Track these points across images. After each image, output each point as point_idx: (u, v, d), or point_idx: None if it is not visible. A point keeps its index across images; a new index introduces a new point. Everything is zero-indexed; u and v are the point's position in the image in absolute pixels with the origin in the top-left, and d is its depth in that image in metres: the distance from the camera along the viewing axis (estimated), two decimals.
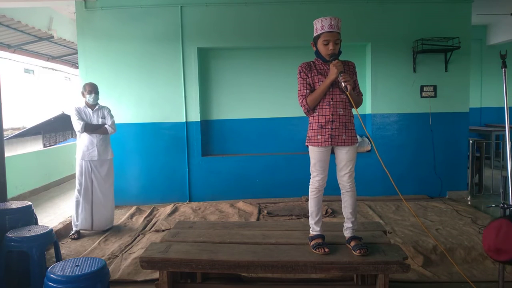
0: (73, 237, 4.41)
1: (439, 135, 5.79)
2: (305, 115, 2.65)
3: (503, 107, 2.64)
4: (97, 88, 4.56)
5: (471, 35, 5.84)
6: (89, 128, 4.43)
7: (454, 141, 5.79)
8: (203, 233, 2.94)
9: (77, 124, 4.38)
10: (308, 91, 2.56)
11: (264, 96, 6.04)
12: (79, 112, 4.45)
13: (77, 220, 4.44)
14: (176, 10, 5.64)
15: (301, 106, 2.59)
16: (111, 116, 4.60)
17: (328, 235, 2.64)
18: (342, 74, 2.40)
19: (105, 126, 4.51)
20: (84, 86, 4.55)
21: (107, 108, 4.64)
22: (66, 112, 4.63)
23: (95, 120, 4.52)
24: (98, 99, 4.57)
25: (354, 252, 2.43)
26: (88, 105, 4.54)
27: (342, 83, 2.40)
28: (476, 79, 8.46)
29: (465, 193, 5.78)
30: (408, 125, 5.84)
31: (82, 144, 4.48)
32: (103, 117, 4.55)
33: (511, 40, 7.83)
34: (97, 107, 4.57)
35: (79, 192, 4.47)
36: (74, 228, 4.47)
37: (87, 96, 4.49)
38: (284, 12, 5.68)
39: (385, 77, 5.78)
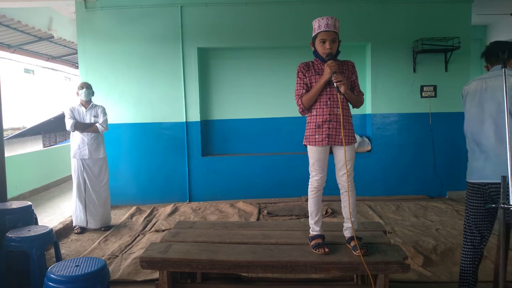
0: (76, 231, 4.53)
1: (439, 135, 5.79)
2: (305, 115, 2.66)
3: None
4: (90, 85, 4.62)
5: (471, 35, 5.85)
6: (79, 126, 4.48)
7: (454, 141, 5.78)
8: (203, 233, 2.94)
9: (67, 123, 4.46)
10: (304, 91, 2.57)
11: (264, 96, 6.04)
12: (72, 111, 4.52)
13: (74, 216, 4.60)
14: (176, 10, 5.64)
15: (297, 105, 2.60)
16: (104, 114, 4.61)
17: (328, 235, 2.64)
18: (335, 75, 2.40)
19: (96, 124, 4.53)
20: (78, 85, 4.65)
21: (101, 106, 4.66)
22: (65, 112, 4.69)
23: (88, 118, 4.56)
24: (90, 95, 4.60)
25: (354, 252, 2.42)
26: (82, 103, 4.58)
27: (335, 83, 2.41)
28: None
29: (465, 193, 5.76)
30: (408, 125, 5.83)
31: (74, 142, 4.54)
32: (96, 116, 4.58)
33: (511, 40, 7.83)
34: (91, 105, 4.60)
35: (75, 189, 4.57)
36: (74, 223, 4.62)
37: (80, 92, 4.54)
38: (284, 12, 5.68)
39: (385, 77, 5.78)
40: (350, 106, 2.61)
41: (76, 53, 6.11)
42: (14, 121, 12.04)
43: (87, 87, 4.56)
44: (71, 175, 4.68)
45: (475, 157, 2.41)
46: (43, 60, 8.72)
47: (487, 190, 2.36)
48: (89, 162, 4.54)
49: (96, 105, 4.64)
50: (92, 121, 4.55)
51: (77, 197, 4.53)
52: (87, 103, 4.59)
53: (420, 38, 5.54)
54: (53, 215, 5.37)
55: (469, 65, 5.85)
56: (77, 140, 4.52)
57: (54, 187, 7.20)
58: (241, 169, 5.86)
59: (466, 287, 2.49)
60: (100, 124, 4.53)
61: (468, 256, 2.49)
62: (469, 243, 2.49)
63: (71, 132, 4.56)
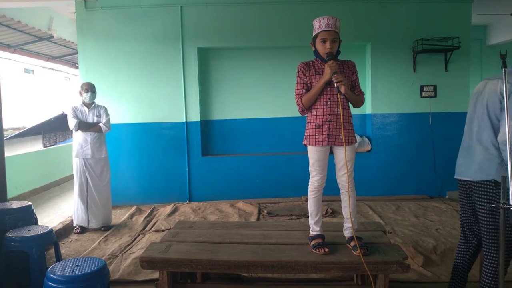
0: (76, 231, 4.53)
1: (439, 135, 5.79)
2: (304, 115, 2.66)
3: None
4: (94, 87, 4.64)
5: (471, 35, 5.84)
6: (83, 126, 4.49)
7: (454, 141, 5.73)
8: (203, 233, 2.94)
9: (71, 122, 4.47)
10: (304, 90, 2.56)
11: (264, 96, 6.04)
12: (74, 111, 4.53)
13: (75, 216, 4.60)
14: (176, 10, 5.64)
15: (297, 105, 2.60)
16: (107, 115, 4.64)
17: (328, 235, 2.64)
18: (335, 75, 2.40)
19: (100, 124, 4.56)
20: (82, 85, 4.64)
21: (104, 107, 4.68)
22: (66, 112, 4.68)
23: (91, 118, 4.57)
24: (94, 97, 4.63)
25: (354, 252, 2.42)
26: (84, 104, 4.59)
27: (335, 84, 2.41)
28: (476, 79, 8.44)
29: None
30: (408, 125, 5.83)
31: (77, 142, 4.55)
32: (99, 116, 4.61)
33: (511, 40, 7.82)
34: (93, 105, 4.62)
35: (76, 189, 4.57)
36: (75, 223, 4.62)
37: (84, 94, 4.55)
38: (284, 12, 5.68)
39: (385, 77, 5.78)
40: (351, 105, 2.61)
41: (76, 53, 6.11)
42: (14, 121, 12.03)
43: (92, 91, 4.57)
44: (71, 175, 4.69)
45: (459, 154, 2.55)
46: (43, 60, 8.72)
47: (466, 186, 2.47)
48: (91, 162, 4.55)
49: (98, 105, 4.65)
50: (95, 121, 4.57)
51: (79, 197, 4.53)
52: (89, 103, 4.61)
53: (420, 38, 5.54)
54: (53, 215, 5.38)
55: (469, 65, 5.85)
56: (79, 140, 4.53)
57: (54, 187, 7.19)
58: (241, 169, 5.86)
59: (455, 278, 2.60)
60: (103, 124, 4.56)
61: (460, 248, 2.62)
62: (462, 236, 2.62)
63: (74, 132, 4.58)
